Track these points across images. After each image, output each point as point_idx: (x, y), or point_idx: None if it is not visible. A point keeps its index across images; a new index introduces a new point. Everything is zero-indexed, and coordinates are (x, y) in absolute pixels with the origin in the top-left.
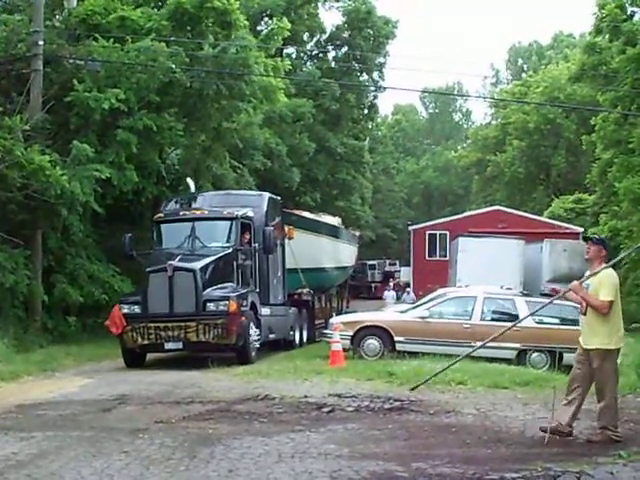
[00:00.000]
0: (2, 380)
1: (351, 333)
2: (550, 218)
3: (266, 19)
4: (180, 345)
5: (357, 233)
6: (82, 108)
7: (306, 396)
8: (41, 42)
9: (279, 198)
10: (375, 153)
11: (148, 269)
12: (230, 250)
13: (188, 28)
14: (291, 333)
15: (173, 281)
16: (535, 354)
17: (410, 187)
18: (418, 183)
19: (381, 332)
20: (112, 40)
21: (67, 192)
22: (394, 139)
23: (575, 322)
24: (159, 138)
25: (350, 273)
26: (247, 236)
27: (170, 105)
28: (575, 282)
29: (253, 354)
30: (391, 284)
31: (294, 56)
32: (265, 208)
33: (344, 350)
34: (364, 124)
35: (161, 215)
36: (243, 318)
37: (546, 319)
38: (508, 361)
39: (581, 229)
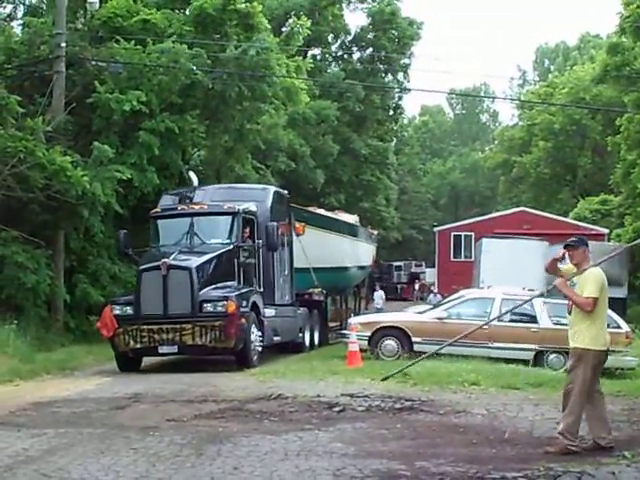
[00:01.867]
0: (20, 379)
1: (369, 334)
2: (575, 219)
3: (290, 21)
4: (175, 349)
5: (375, 232)
6: (104, 110)
7: (319, 396)
8: (63, 44)
9: (286, 192)
10: (402, 154)
11: (141, 267)
12: (231, 247)
13: (210, 31)
14: (300, 335)
15: (167, 280)
16: (552, 355)
17: (437, 188)
18: (445, 184)
19: (399, 333)
20: (134, 42)
21: (88, 193)
22: (421, 140)
23: None
24: (181, 140)
25: (368, 273)
26: (249, 232)
27: (192, 107)
28: (560, 279)
29: (255, 358)
30: (417, 286)
31: (319, 58)
32: (270, 202)
33: (362, 351)
34: (389, 125)
35: (157, 210)
36: (243, 320)
37: (564, 320)
38: (526, 362)
39: (606, 230)
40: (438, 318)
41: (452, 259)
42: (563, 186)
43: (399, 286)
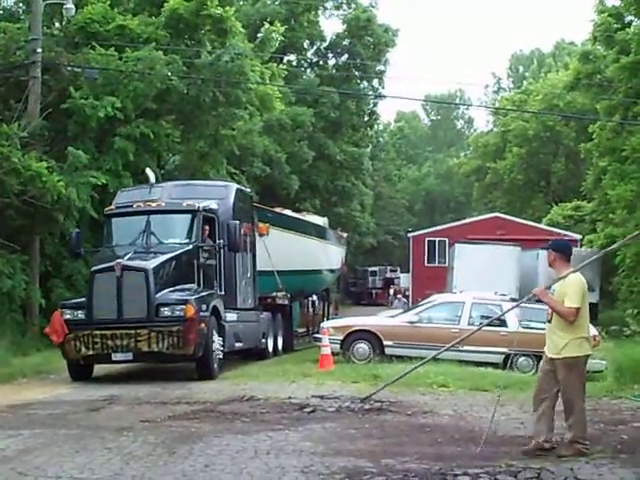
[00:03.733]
0: None
1: (341, 337)
2: (549, 225)
3: (267, 26)
4: (130, 356)
5: (345, 234)
6: (79, 115)
7: (290, 397)
8: (39, 50)
9: (249, 191)
10: (377, 160)
11: (93, 268)
12: (190, 247)
13: (185, 36)
14: (263, 341)
15: (122, 282)
16: (522, 358)
17: (412, 194)
18: (420, 190)
19: (370, 336)
20: (110, 48)
21: (64, 198)
22: (396, 146)
23: None
24: (156, 145)
25: (337, 276)
26: (210, 231)
27: (167, 112)
28: (540, 287)
29: (215, 366)
30: (391, 291)
31: (294, 64)
32: (232, 200)
33: (334, 354)
34: (364, 131)
35: (112, 208)
36: (203, 325)
37: (533, 324)
38: (496, 365)
39: (579, 236)
40: (409, 322)
41: (426, 264)
42: (537, 192)
43: (374, 291)
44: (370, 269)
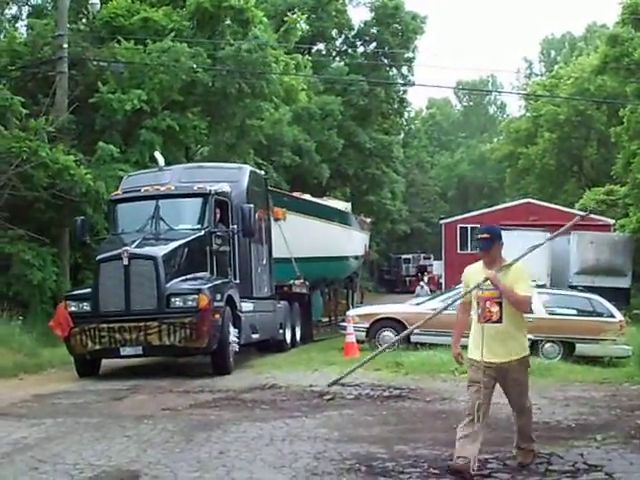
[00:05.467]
0: (25, 373)
1: (367, 325)
2: (582, 210)
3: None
4: (139, 350)
5: (368, 220)
6: (106, 109)
7: (311, 385)
8: (66, 45)
9: (263, 173)
10: (409, 147)
11: (99, 257)
12: (202, 233)
13: (209, 28)
14: (280, 332)
15: (130, 271)
16: (548, 344)
17: (445, 181)
18: (453, 177)
19: (396, 324)
20: (135, 42)
21: (92, 191)
22: (429, 133)
23: (589, 313)
24: (183, 137)
25: (360, 264)
26: (222, 216)
27: (194, 104)
28: (492, 271)
29: (231, 360)
30: (425, 278)
31: (323, 53)
32: (246, 183)
33: (360, 342)
34: (394, 119)
35: (118, 192)
36: (217, 316)
37: (558, 310)
38: None
39: (612, 221)
40: (435, 309)
41: (459, 251)
42: (569, 177)
43: (407, 279)
44: (403, 257)
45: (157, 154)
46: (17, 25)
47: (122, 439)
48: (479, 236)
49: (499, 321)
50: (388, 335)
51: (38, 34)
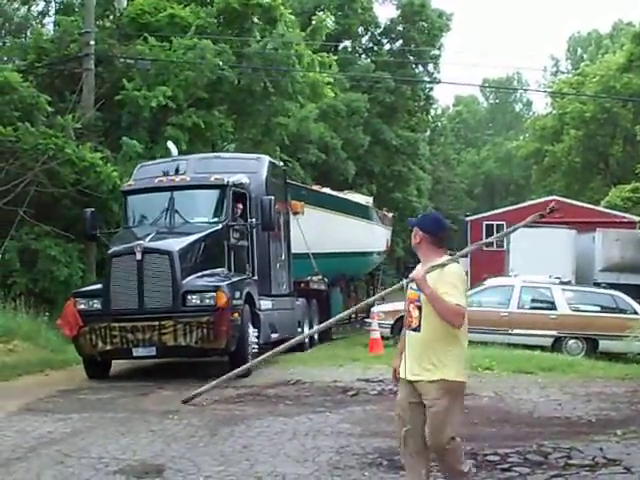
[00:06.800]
0: (51, 368)
1: (391, 322)
2: (607, 208)
3: (320, 14)
4: (153, 351)
5: (390, 214)
6: (132, 106)
7: (335, 381)
8: (92, 42)
9: (282, 165)
10: (435, 144)
11: (110, 252)
12: (220, 227)
13: (235, 25)
14: (299, 330)
15: (143, 267)
16: (571, 341)
17: (471, 178)
18: (479, 174)
19: None
20: (161, 39)
21: (118, 188)
22: (455, 130)
23: (612, 310)
24: (209, 134)
25: (382, 259)
26: (241, 208)
27: (220, 102)
28: (419, 272)
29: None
30: None
31: (349, 50)
32: (265, 174)
33: (385, 339)
34: (420, 116)
35: (131, 183)
36: (236, 314)
37: (582, 306)
38: (545, 348)
39: (638, 218)
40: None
41: (484, 248)
42: (595, 174)
43: None
44: None
45: (170, 144)
46: (44, 22)
47: (147, 434)
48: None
49: (417, 329)
50: None
51: (65, 31)
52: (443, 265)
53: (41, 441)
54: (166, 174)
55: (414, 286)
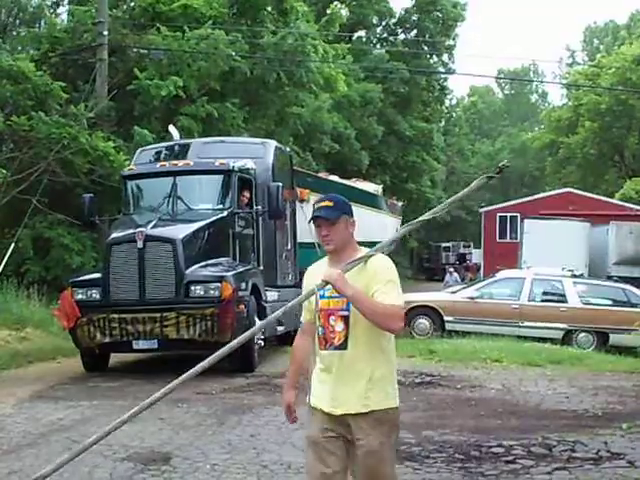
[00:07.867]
0: (63, 356)
1: None
2: (622, 200)
3: (335, 4)
4: (154, 344)
5: (400, 203)
6: (144, 96)
7: None
8: (105, 32)
9: (289, 150)
10: (450, 135)
11: (110, 239)
12: (224, 214)
13: (249, 16)
14: None
15: (144, 255)
16: (582, 334)
17: (486, 169)
18: (494, 165)
19: (431, 312)
20: (174, 29)
21: None
22: (470, 121)
23: (623, 303)
24: (222, 125)
25: (392, 249)
26: (247, 195)
27: (232, 92)
28: (333, 271)
29: (256, 356)
30: (451, 268)
31: (363, 40)
32: (271, 160)
33: None
34: (435, 106)
35: (132, 168)
36: (241, 306)
37: (593, 300)
38: (556, 341)
39: None
40: (470, 297)
41: (498, 240)
42: (610, 167)
43: (447, 267)
44: (443, 245)
45: (171, 128)
46: (58, 12)
47: (156, 422)
48: (318, 205)
49: (342, 346)
50: (423, 323)
51: (78, 21)
52: (365, 258)
53: (51, 428)
54: (171, 154)
55: (333, 292)
